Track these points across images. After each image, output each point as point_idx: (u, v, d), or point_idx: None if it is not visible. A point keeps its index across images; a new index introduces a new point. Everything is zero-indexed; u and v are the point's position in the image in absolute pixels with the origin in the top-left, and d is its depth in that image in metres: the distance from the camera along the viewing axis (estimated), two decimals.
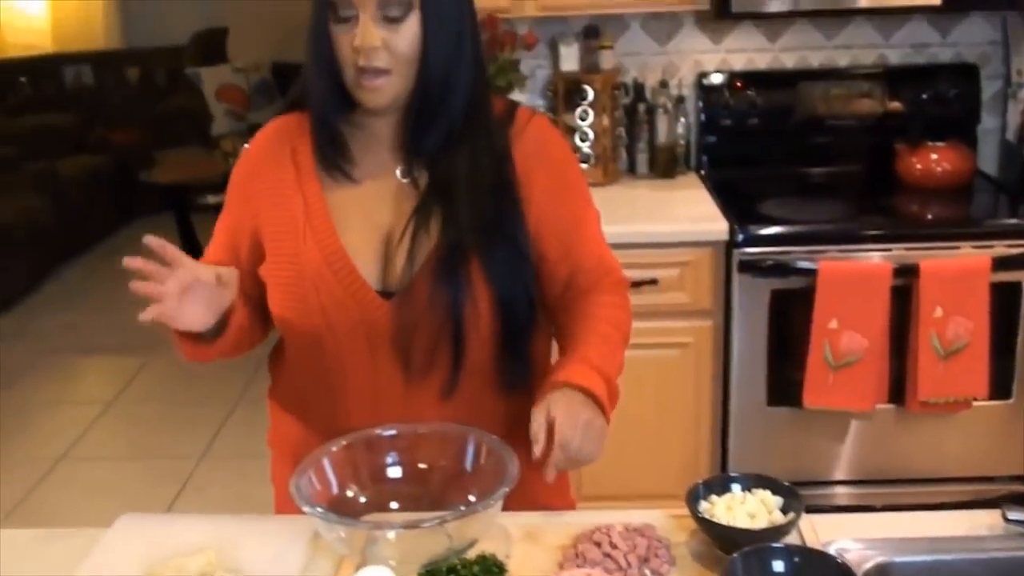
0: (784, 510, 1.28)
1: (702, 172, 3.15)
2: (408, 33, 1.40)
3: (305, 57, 1.47)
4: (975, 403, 2.66)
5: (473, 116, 1.49)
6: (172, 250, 1.35)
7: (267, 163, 1.53)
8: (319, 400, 1.54)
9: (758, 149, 3.14)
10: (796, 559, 1.15)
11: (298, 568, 1.30)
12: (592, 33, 3.03)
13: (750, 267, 2.63)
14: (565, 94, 2.98)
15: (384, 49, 1.39)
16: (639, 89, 3.11)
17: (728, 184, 3.00)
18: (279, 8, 6.86)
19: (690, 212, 2.83)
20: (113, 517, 1.47)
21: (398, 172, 1.51)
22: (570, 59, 3.03)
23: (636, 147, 3.12)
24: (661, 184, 3.08)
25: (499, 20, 2.83)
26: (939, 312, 2.56)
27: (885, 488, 2.79)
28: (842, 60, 3.15)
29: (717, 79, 3.11)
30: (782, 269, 2.62)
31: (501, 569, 1.24)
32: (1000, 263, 2.56)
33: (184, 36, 7.28)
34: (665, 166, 3.10)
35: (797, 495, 1.29)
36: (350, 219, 1.49)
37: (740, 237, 2.63)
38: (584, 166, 2.99)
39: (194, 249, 5.80)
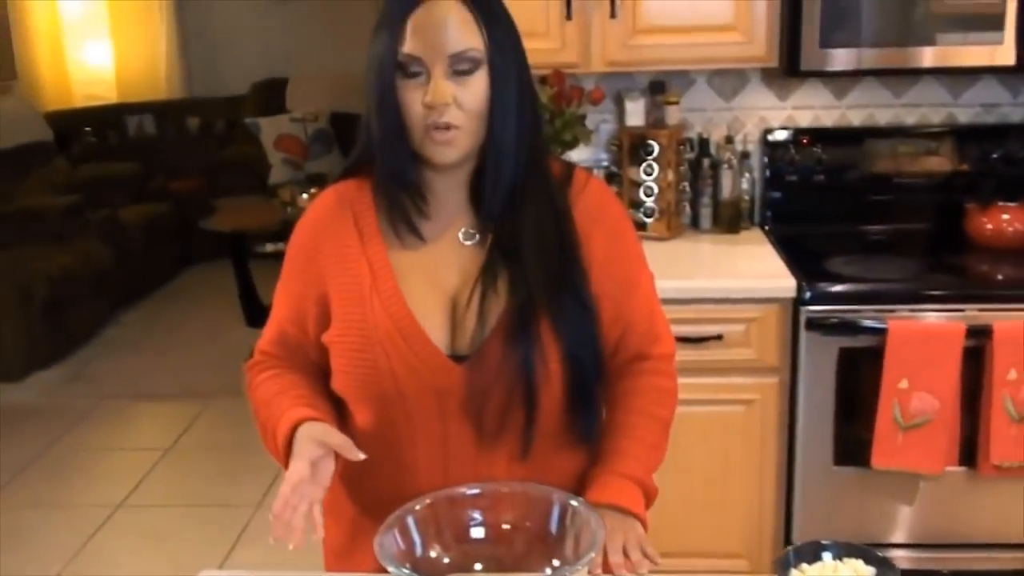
0: None
1: (766, 228, 3.14)
2: (477, 88, 1.41)
3: (368, 117, 1.47)
4: None
5: (534, 175, 1.50)
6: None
7: (329, 229, 1.52)
8: (385, 468, 1.52)
9: (823, 206, 3.12)
10: None
11: None
12: (658, 88, 3.04)
13: (818, 325, 2.60)
14: (630, 149, 2.99)
15: (454, 105, 1.40)
16: (704, 144, 3.11)
17: (793, 240, 2.98)
18: (338, 58, 6.99)
19: (755, 268, 2.81)
20: (171, 567, 1.47)
21: (460, 234, 1.51)
22: (636, 114, 3.04)
23: (700, 202, 3.12)
24: (725, 239, 3.07)
25: (566, 75, 2.85)
26: (1013, 374, 2.51)
27: (950, 553, 2.73)
28: (910, 118, 3.13)
29: (783, 135, 3.11)
30: (850, 327, 2.59)
31: None
32: None
33: (244, 86, 7.42)
34: (729, 221, 3.09)
35: (892, 566, 1.26)
36: (415, 283, 1.49)
37: (808, 294, 2.61)
38: (648, 220, 2.99)
39: (250, 295, 5.87)
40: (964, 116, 3.12)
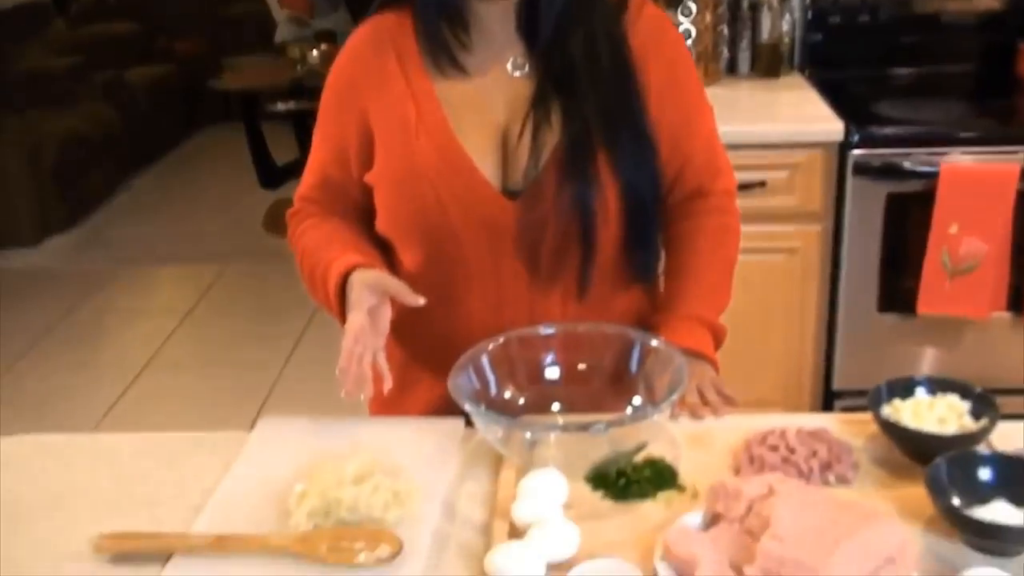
0: (974, 416, 1.21)
1: (807, 72, 3.02)
2: None
3: None
4: None
5: (585, 1, 1.39)
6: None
7: (369, 64, 1.44)
8: (436, 312, 1.45)
9: (867, 48, 3.00)
10: (1003, 467, 1.08)
11: (456, 470, 1.26)
12: None
13: (865, 169, 2.52)
14: None
15: None
16: None
17: (835, 84, 2.87)
18: None
19: (798, 112, 2.72)
20: (204, 424, 1.45)
21: (509, 65, 1.42)
22: None
23: (739, 45, 3.00)
24: (764, 84, 2.96)
25: None
26: None
27: (997, 398, 2.71)
28: None
29: None
30: (900, 172, 2.51)
31: (673, 474, 1.18)
32: None
33: None
34: (769, 65, 2.97)
35: (991, 401, 1.21)
36: (463, 117, 1.41)
37: (856, 138, 2.52)
38: None
39: (263, 157, 5.78)
40: None
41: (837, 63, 3.00)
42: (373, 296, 1.33)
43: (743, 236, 2.61)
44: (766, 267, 2.67)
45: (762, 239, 2.63)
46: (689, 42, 2.86)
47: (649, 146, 1.41)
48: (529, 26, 1.40)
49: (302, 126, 5.97)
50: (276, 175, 5.79)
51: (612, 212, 1.39)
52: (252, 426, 1.42)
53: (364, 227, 1.50)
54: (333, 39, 5.78)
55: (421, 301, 1.33)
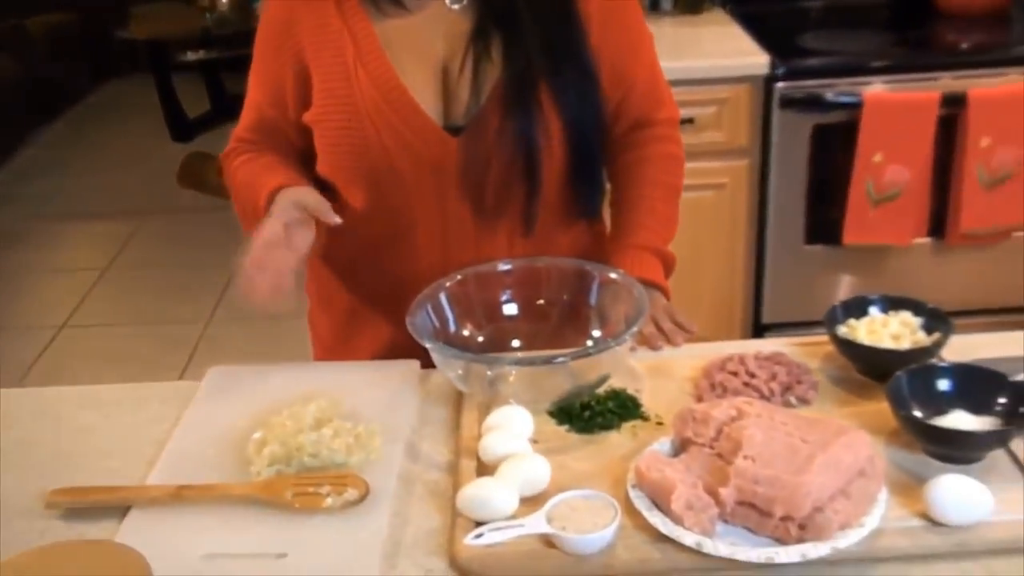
0: (927, 331, 1.24)
1: (728, 7, 3.02)
2: None
3: None
4: (1015, 234, 2.63)
5: None
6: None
7: (304, 2, 1.40)
8: (381, 252, 1.45)
9: None
10: (960, 377, 1.11)
11: (416, 411, 1.25)
12: None
13: (791, 102, 2.54)
14: None
15: None
16: None
17: (757, 18, 2.88)
18: None
19: (723, 48, 2.72)
20: (129, 382, 1.41)
21: None
22: None
23: None
24: (687, 20, 2.96)
25: None
26: (986, 141, 2.50)
27: None
28: None
29: None
30: (824, 103, 2.53)
31: (636, 404, 1.19)
32: None
33: None
34: (690, 1, 2.97)
35: (942, 315, 1.24)
36: (402, 52, 1.37)
37: (781, 71, 2.54)
38: None
39: (175, 109, 5.62)
40: None
41: None
42: (295, 211, 1.30)
43: None
44: (695, 204, 2.65)
45: (690, 176, 2.54)
46: None
47: (591, 78, 1.40)
48: None
49: (213, 76, 5.82)
50: (188, 127, 5.65)
51: (556, 146, 1.38)
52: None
53: (303, 168, 1.46)
54: None
55: (337, 220, 1.31)
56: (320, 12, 1.38)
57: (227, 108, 5.82)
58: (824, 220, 2.65)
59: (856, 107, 2.49)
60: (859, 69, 2.54)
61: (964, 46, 2.76)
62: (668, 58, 2.57)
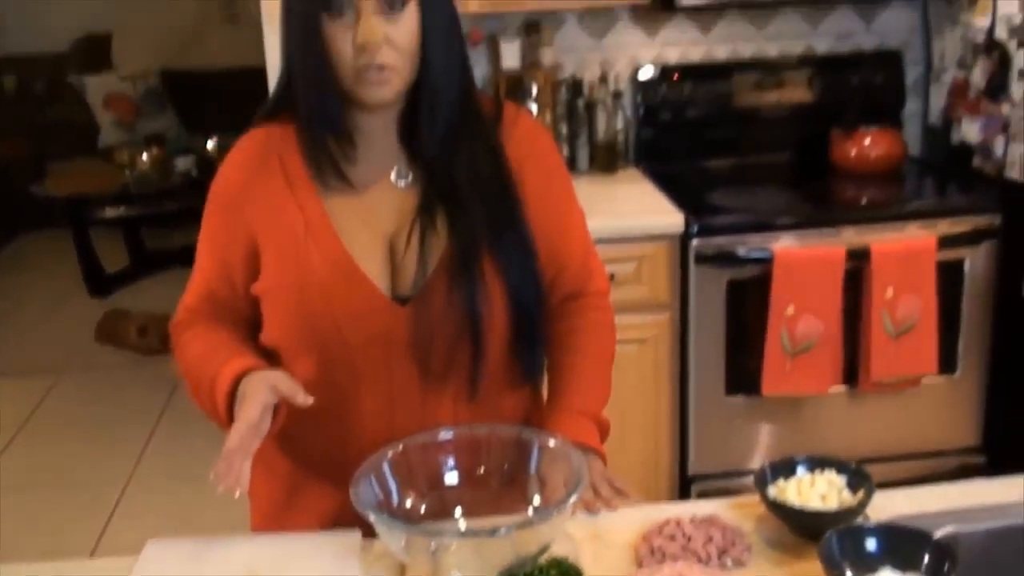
0: (851, 488, 1.29)
1: (642, 166, 3.16)
2: (409, 24, 1.35)
3: (289, 60, 1.41)
4: (923, 381, 2.74)
5: (467, 111, 1.45)
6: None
7: (255, 177, 1.45)
8: (326, 420, 1.46)
9: (695, 141, 3.17)
10: (887, 536, 1.16)
11: None
12: (532, 29, 3.01)
13: (705, 258, 2.65)
14: (508, 91, 2.96)
15: (386, 43, 1.33)
16: (578, 85, 3.10)
17: (669, 177, 3.02)
18: (166, 12, 6.65)
19: (638, 206, 2.83)
20: (42, 550, 1.39)
21: (393, 175, 1.46)
22: (511, 55, 3.00)
23: (577, 142, 3.12)
24: (604, 179, 3.08)
25: None
26: (890, 292, 2.62)
27: None
28: (772, 50, 3.20)
29: (653, 73, 3.13)
30: (736, 259, 2.65)
31: (579, 572, 1.20)
32: (944, 241, 2.65)
33: (64, 43, 6.98)
34: (606, 161, 3.10)
35: (865, 473, 1.30)
36: (351, 227, 1.43)
37: (695, 228, 2.65)
38: None
39: (92, 264, 5.58)
40: (822, 46, 3.22)
41: (670, 156, 3.16)
42: (272, 395, 1.32)
43: None
44: (619, 358, 2.69)
45: None
46: None
47: (531, 251, 1.47)
48: (411, 136, 1.44)
49: (133, 232, 5.82)
50: (106, 282, 5.61)
51: (499, 313, 1.43)
52: (94, 551, 1.36)
53: (251, 338, 1.49)
54: (162, 143, 5.69)
55: (310, 400, 1.32)
56: (270, 187, 1.44)
57: (147, 263, 5.81)
58: (744, 371, 2.73)
59: (767, 262, 2.61)
60: (768, 226, 2.66)
61: (865, 201, 2.92)
62: (589, 217, 2.70)
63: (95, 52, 6.75)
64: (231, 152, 1.50)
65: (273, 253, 1.43)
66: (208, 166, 5.52)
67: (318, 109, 1.39)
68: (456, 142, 1.44)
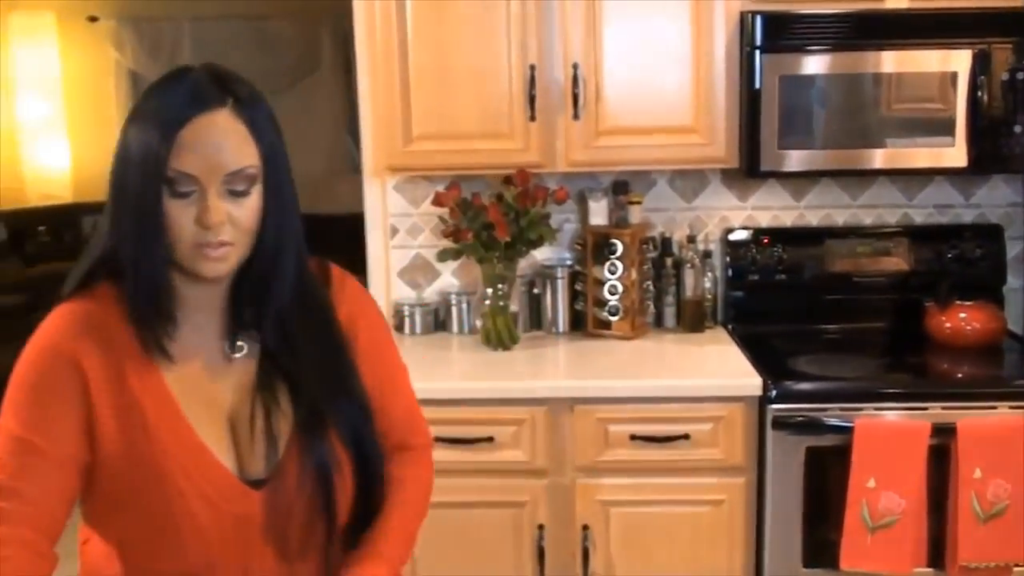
0: None
1: (729, 327, 3.15)
2: (252, 204, 1.35)
3: (115, 230, 1.36)
4: (1016, 568, 2.58)
5: (300, 280, 1.46)
6: None
7: (81, 357, 1.35)
8: None
9: (784, 305, 3.14)
10: None
11: None
12: (620, 188, 3.07)
13: (784, 424, 2.59)
14: (594, 247, 3.01)
15: (227, 222, 1.33)
16: (666, 243, 3.14)
17: (756, 339, 2.99)
18: (302, 162, 7.01)
19: (721, 367, 2.81)
20: None
21: (226, 347, 1.45)
22: (599, 213, 3.06)
23: (664, 301, 3.13)
24: (689, 338, 3.07)
25: (530, 175, 2.87)
26: (978, 473, 2.50)
27: None
28: (867, 219, 3.19)
29: (743, 235, 3.14)
30: (816, 426, 2.58)
31: None
32: None
33: None
34: (693, 320, 3.10)
35: None
36: (191, 404, 1.40)
37: (774, 392, 2.60)
38: (612, 319, 3.00)
39: None
40: (919, 217, 3.18)
41: (758, 318, 3.13)
42: None
43: (669, 488, 2.68)
44: (692, 520, 2.69)
45: (687, 491, 2.68)
46: (616, 298, 2.98)
47: (369, 414, 1.51)
48: (252, 306, 1.43)
49: None
50: None
51: (347, 482, 1.46)
52: None
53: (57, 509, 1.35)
54: None
55: None
56: (103, 361, 1.36)
57: None
58: (822, 543, 2.63)
59: (847, 432, 2.53)
60: (849, 395, 2.60)
61: (956, 376, 2.83)
62: (669, 375, 2.71)
63: None
64: (44, 331, 1.38)
65: (113, 429, 1.35)
66: None
67: (149, 282, 1.35)
68: (291, 314, 1.45)
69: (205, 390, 1.42)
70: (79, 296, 1.40)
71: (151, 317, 1.37)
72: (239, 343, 1.45)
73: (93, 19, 7.25)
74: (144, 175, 1.31)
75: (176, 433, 1.37)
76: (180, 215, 1.32)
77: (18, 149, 7.63)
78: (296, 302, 1.45)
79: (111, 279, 1.39)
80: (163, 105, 1.33)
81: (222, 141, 1.32)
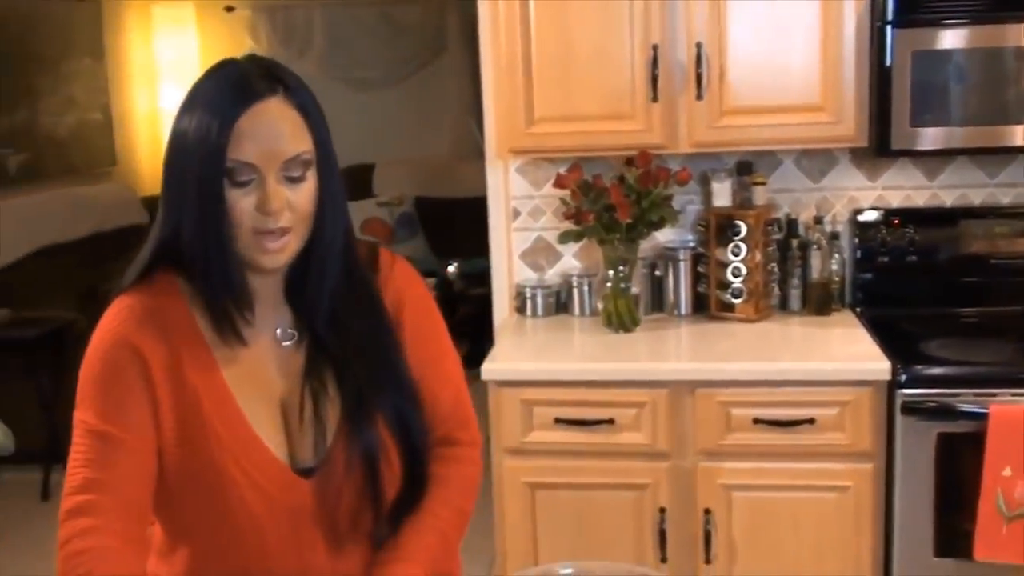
0: None
1: (857, 310, 3.07)
2: (308, 189, 1.38)
3: (177, 225, 1.38)
4: None
5: (349, 266, 1.47)
6: None
7: (142, 346, 1.38)
8: None
9: (915, 287, 3.05)
10: None
11: None
12: (744, 169, 3.02)
13: (914, 409, 2.52)
14: (717, 229, 2.97)
15: (288, 208, 1.36)
16: (792, 225, 3.07)
17: (885, 323, 2.91)
18: (420, 144, 7.12)
19: (848, 350, 2.75)
20: None
21: (278, 333, 1.48)
22: (722, 195, 3.02)
23: (789, 283, 3.07)
24: (815, 321, 3.00)
25: (652, 156, 2.85)
26: None
27: None
28: (1005, 198, 3.06)
29: (873, 216, 3.06)
30: (949, 412, 2.50)
31: None
32: None
33: None
34: (819, 302, 3.03)
35: None
36: (246, 394, 1.43)
37: (903, 377, 2.53)
38: (736, 301, 2.96)
39: None
40: None
41: (887, 302, 3.05)
42: None
43: (794, 473, 2.67)
44: (818, 506, 2.64)
45: (812, 476, 2.63)
46: (740, 280, 2.94)
47: (417, 401, 1.50)
48: (297, 295, 1.46)
49: None
50: None
51: (395, 469, 1.47)
52: None
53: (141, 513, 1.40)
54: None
55: None
56: (163, 352, 1.39)
57: None
58: (955, 532, 2.55)
59: (982, 418, 2.45)
60: (983, 380, 2.51)
61: None
62: (794, 358, 2.66)
63: (357, 180, 7.27)
64: (107, 323, 1.41)
65: (171, 419, 1.39)
66: (447, 288, 5.78)
67: (220, 272, 1.38)
68: (339, 300, 1.46)
69: (259, 380, 1.45)
70: (137, 288, 1.43)
71: (223, 307, 1.40)
72: (290, 331, 1.48)
73: (230, 9, 7.48)
74: (204, 166, 1.33)
75: (230, 424, 1.40)
76: (240, 203, 1.34)
77: (159, 135, 7.92)
78: (345, 287, 1.47)
79: (169, 270, 1.43)
80: (217, 97, 1.36)
81: (279, 128, 1.35)
